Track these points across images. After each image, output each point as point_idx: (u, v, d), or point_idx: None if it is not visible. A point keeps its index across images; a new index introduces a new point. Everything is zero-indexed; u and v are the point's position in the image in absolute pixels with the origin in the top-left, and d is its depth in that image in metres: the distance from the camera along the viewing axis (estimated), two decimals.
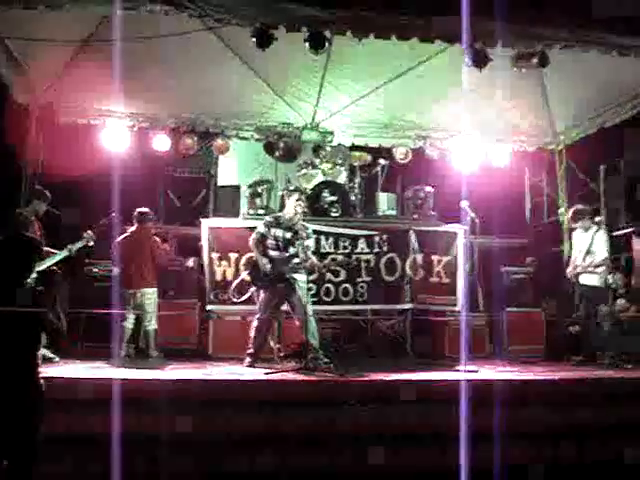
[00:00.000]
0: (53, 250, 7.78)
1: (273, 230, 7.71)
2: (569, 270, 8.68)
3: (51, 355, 7.55)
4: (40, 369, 4.36)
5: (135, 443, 5.27)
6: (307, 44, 7.16)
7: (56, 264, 7.47)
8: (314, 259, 7.80)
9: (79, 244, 7.80)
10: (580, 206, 8.90)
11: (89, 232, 7.86)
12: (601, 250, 8.34)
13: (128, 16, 6.89)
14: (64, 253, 7.73)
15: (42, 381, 4.35)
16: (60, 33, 7.93)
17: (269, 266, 7.51)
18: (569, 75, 9.11)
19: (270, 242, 7.69)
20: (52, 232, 8.11)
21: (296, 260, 7.62)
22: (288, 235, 7.69)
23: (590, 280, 8.41)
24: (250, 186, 9.61)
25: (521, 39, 7.38)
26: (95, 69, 8.58)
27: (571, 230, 8.98)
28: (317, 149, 10.32)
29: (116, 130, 10.32)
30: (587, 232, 8.54)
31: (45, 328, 4.44)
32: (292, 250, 7.67)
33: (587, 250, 8.42)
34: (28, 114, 9.60)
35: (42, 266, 7.61)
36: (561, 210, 11.01)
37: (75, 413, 5.55)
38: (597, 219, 8.39)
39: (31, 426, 4.21)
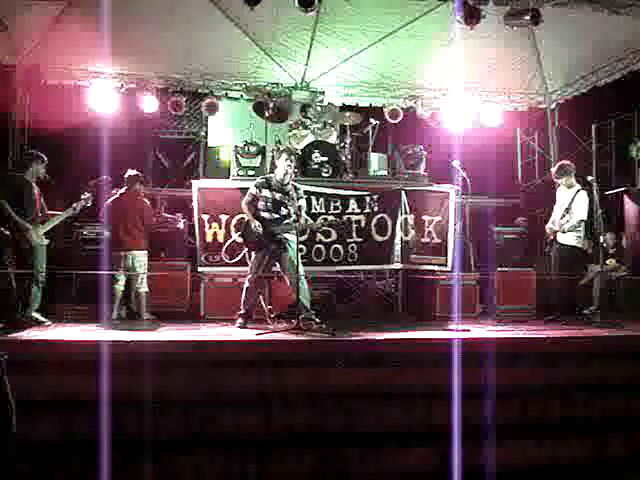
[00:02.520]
0: (56, 212, 7.80)
1: (264, 191, 7.68)
2: (548, 226, 8.66)
3: (42, 319, 7.56)
4: None
5: (125, 405, 5.28)
6: (296, 2, 7.07)
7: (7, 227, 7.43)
8: (308, 219, 7.79)
9: (79, 204, 7.82)
10: (565, 162, 8.86)
11: (87, 193, 7.87)
12: (579, 211, 8.30)
13: None
14: (69, 212, 7.80)
15: None
16: None
17: (260, 228, 7.50)
18: (561, 34, 9.06)
19: (261, 203, 7.67)
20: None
21: (287, 221, 7.62)
22: (278, 196, 7.67)
23: (567, 239, 8.40)
24: (240, 146, 9.53)
25: None
26: (81, 29, 8.49)
27: (555, 186, 8.92)
28: (306, 108, 10.24)
29: (103, 91, 10.20)
30: (569, 190, 8.49)
31: None
32: (283, 211, 7.65)
33: (567, 209, 8.39)
34: (14, 75, 9.48)
35: (48, 227, 7.66)
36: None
37: (66, 375, 5.54)
38: (589, 178, 8.33)
39: None
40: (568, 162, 8.78)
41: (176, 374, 5.70)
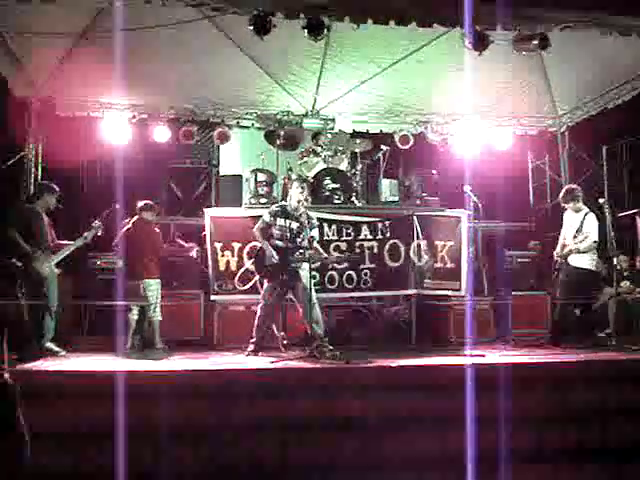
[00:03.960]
0: (67, 242, 7.85)
1: (279, 220, 7.69)
2: (557, 250, 8.63)
3: (57, 349, 7.57)
4: (5, 364, 4.31)
5: (141, 434, 5.28)
6: (306, 31, 7.13)
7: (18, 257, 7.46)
8: (321, 250, 7.81)
9: (90, 234, 7.88)
10: (572, 186, 8.85)
11: (97, 222, 7.92)
12: (591, 233, 8.27)
13: (125, 7, 6.87)
14: (80, 242, 7.84)
15: (7, 375, 4.31)
16: (57, 26, 7.91)
17: (276, 256, 7.49)
18: (570, 57, 9.08)
19: (276, 232, 7.67)
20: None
21: (301, 250, 7.61)
22: (294, 225, 7.67)
23: (580, 262, 8.35)
24: (251, 175, 9.59)
25: (521, 21, 7.35)
26: (93, 61, 8.60)
27: (562, 210, 8.89)
28: (317, 136, 10.29)
29: (116, 122, 10.31)
30: (577, 213, 8.47)
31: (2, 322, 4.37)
32: (297, 240, 7.65)
33: (577, 231, 8.35)
34: (28, 108, 9.59)
35: (60, 257, 7.71)
36: None
37: (82, 405, 5.54)
38: (601, 200, 8.30)
39: (1, 419, 4.19)
40: (575, 186, 8.77)
41: (189, 403, 5.69)
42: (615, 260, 8.32)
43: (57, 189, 7.99)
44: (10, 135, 9.51)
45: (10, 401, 4.26)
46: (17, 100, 9.33)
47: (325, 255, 8.02)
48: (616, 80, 9.79)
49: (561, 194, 8.74)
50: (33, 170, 9.68)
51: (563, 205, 8.69)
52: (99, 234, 8.00)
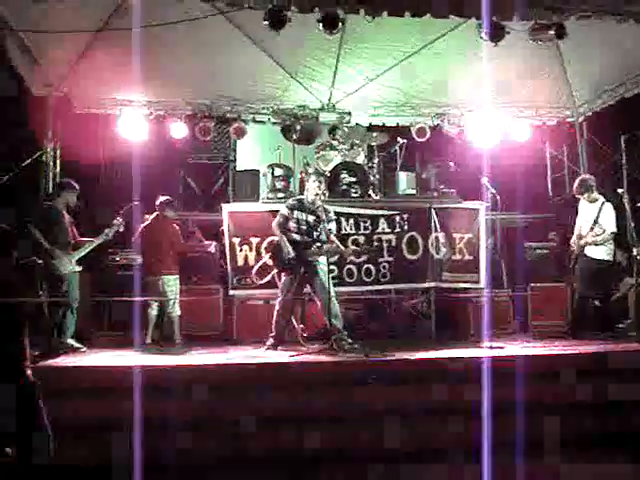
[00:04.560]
0: (87, 239, 7.91)
1: (296, 213, 7.71)
2: (573, 241, 8.58)
3: (77, 345, 7.65)
4: (27, 361, 4.35)
5: (160, 429, 5.32)
6: (320, 24, 7.12)
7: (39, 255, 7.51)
8: (338, 243, 7.82)
9: (111, 230, 7.94)
10: (585, 176, 8.79)
11: (118, 219, 7.97)
12: (609, 223, 8.21)
13: (141, 4, 6.90)
14: (100, 239, 7.91)
15: (30, 372, 4.35)
16: (73, 24, 7.93)
17: (292, 250, 7.51)
18: (587, 46, 9.00)
19: (293, 225, 7.69)
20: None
21: (318, 243, 7.63)
22: (311, 219, 7.70)
23: (597, 253, 8.30)
24: (268, 169, 9.61)
25: (537, 11, 7.29)
26: (109, 58, 8.65)
27: (576, 200, 8.83)
28: (333, 130, 10.28)
29: (133, 119, 10.34)
30: (593, 204, 8.41)
31: (24, 319, 4.41)
32: (315, 234, 7.67)
33: (594, 221, 8.29)
34: (46, 106, 9.65)
35: (81, 254, 7.78)
36: None
37: (102, 400, 5.60)
38: (619, 190, 8.24)
39: (24, 417, 4.23)
40: (588, 176, 8.73)
41: (210, 397, 5.73)
42: (635, 250, 8.25)
43: (77, 187, 8.06)
44: (29, 134, 9.58)
45: (33, 397, 4.30)
46: (35, 99, 9.38)
47: (343, 248, 8.02)
48: (634, 69, 9.69)
49: (575, 185, 8.69)
50: (52, 168, 9.73)
51: (577, 196, 8.64)
52: (119, 230, 8.06)
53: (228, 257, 8.67)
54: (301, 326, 8.30)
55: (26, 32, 7.98)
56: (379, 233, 8.86)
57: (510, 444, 5.34)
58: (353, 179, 9.34)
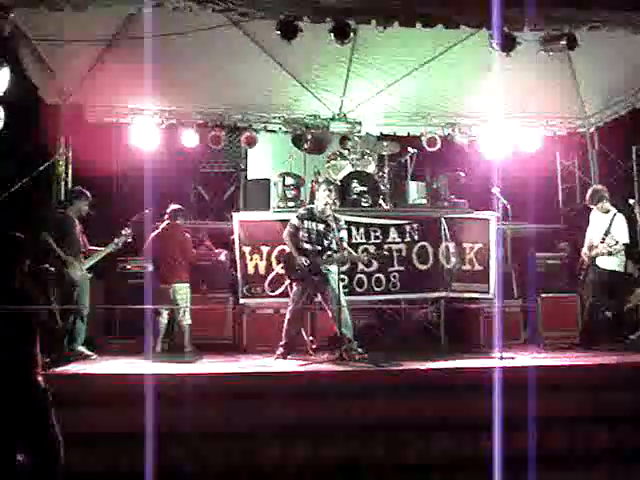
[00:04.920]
0: (98, 248, 7.95)
1: (306, 222, 7.73)
2: (584, 251, 8.54)
3: (88, 352, 7.67)
4: (39, 368, 4.37)
5: (171, 437, 5.32)
6: (332, 34, 7.15)
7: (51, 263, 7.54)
8: (350, 250, 7.82)
9: (121, 240, 7.97)
10: (598, 187, 8.77)
11: (127, 229, 8.01)
12: (621, 234, 8.18)
13: (153, 14, 6.94)
14: (110, 248, 7.94)
15: (41, 378, 4.37)
16: (87, 34, 8.01)
17: (304, 259, 7.53)
18: (598, 57, 9.00)
19: (303, 235, 7.71)
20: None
21: (329, 253, 7.64)
22: (321, 227, 7.71)
23: (609, 264, 8.26)
24: (279, 178, 9.63)
25: (548, 21, 7.29)
26: (122, 68, 8.70)
27: (587, 211, 8.80)
28: (344, 139, 10.30)
29: (144, 128, 10.39)
30: (606, 214, 8.38)
31: (36, 326, 4.44)
32: (325, 243, 7.68)
33: (606, 232, 8.26)
34: (58, 115, 9.71)
35: (91, 262, 7.81)
36: None
37: (112, 408, 5.61)
38: (631, 201, 8.23)
39: (36, 424, 4.25)
40: (600, 187, 8.70)
41: (219, 406, 5.73)
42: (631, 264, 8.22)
43: (89, 195, 8.10)
44: (41, 142, 9.64)
45: (44, 403, 4.32)
46: (48, 107, 9.45)
47: (355, 254, 8.02)
48: None
49: (587, 195, 8.67)
50: (64, 177, 9.79)
51: (590, 207, 8.62)
52: (129, 240, 8.10)
53: (238, 266, 8.68)
54: (311, 338, 8.29)
55: (41, 41, 8.04)
56: (389, 243, 8.85)
57: (521, 458, 5.31)
58: (363, 188, 9.33)
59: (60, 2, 6.48)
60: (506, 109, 10.49)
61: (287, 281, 8.19)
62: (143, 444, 5.05)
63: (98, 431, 5.46)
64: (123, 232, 8.04)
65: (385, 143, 10.22)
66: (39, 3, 6.55)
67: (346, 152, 9.96)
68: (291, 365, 7.06)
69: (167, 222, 8.40)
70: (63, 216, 7.89)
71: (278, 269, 8.45)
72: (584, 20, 7.23)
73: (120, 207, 9.97)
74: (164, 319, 8.17)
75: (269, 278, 8.58)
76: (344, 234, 7.86)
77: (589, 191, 8.73)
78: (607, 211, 8.38)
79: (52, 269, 7.46)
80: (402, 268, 8.83)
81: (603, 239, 8.26)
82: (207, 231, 10.11)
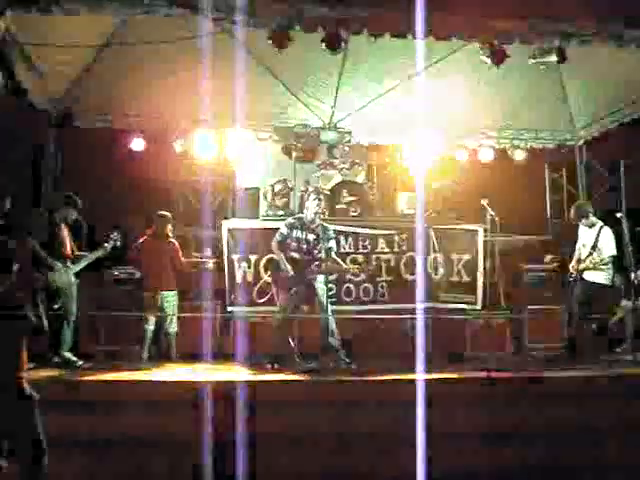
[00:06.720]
0: (85, 253, 7.92)
1: (295, 232, 7.73)
2: (572, 265, 8.58)
3: (74, 358, 7.62)
4: (24, 372, 4.36)
5: (151, 445, 5.31)
6: (324, 44, 7.17)
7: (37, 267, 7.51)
8: (338, 260, 7.82)
9: (109, 245, 7.94)
10: (580, 203, 8.82)
11: (115, 234, 7.98)
12: (608, 247, 8.22)
13: (144, 20, 6.95)
14: (98, 253, 7.91)
15: (26, 384, 4.35)
16: (77, 38, 7.99)
17: (291, 270, 7.52)
18: (587, 71, 9.08)
19: (292, 244, 7.70)
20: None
21: (317, 262, 7.64)
22: (310, 237, 7.71)
23: (596, 277, 8.30)
24: (269, 187, 9.62)
25: (538, 35, 7.34)
26: (111, 74, 8.69)
27: (575, 226, 8.85)
28: (333, 149, 10.31)
29: (134, 133, 10.36)
30: (592, 228, 8.42)
31: (22, 332, 4.43)
32: (314, 252, 7.68)
33: (593, 246, 8.29)
34: (48, 120, 9.69)
35: (78, 267, 7.77)
36: None
37: (98, 414, 5.59)
38: (618, 215, 8.26)
39: (20, 429, 4.23)
40: (583, 202, 8.78)
41: (204, 414, 5.71)
42: (633, 275, 8.26)
43: (77, 200, 8.06)
44: (31, 147, 9.62)
45: (29, 409, 4.30)
46: (38, 112, 9.43)
47: (344, 266, 8.03)
48: (634, 94, 9.74)
49: (572, 212, 8.70)
50: (52, 181, 9.76)
51: (575, 222, 8.66)
52: (117, 245, 8.07)
53: (227, 274, 8.67)
54: (297, 346, 8.26)
55: (32, 46, 8.02)
56: (378, 252, 8.88)
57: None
58: (353, 198, 9.35)
59: (52, 7, 6.49)
60: (495, 121, 10.55)
61: (273, 289, 8.18)
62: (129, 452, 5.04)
63: (83, 437, 5.44)
64: (111, 237, 8.01)
65: (374, 153, 10.24)
66: (31, 6, 6.55)
67: (336, 161, 9.98)
68: (277, 374, 7.04)
69: (154, 229, 8.37)
70: (49, 221, 7.85)
71: (266, 277, 8.45)
72: (574, 34, 7.28)
73: (109, 212, 9.92)
74: (150, 326, 8.13)
75: (257, 286, 8.58)
76: (333, 244, 7.86)
77: (572, 208, 8.77)
78: (593, 225, 8.42)
79: (38, 274, 7.43)
80: (390, 278, 8.86)
81: (590, 253, 8.30)
82: (195, 238, 10.09)
